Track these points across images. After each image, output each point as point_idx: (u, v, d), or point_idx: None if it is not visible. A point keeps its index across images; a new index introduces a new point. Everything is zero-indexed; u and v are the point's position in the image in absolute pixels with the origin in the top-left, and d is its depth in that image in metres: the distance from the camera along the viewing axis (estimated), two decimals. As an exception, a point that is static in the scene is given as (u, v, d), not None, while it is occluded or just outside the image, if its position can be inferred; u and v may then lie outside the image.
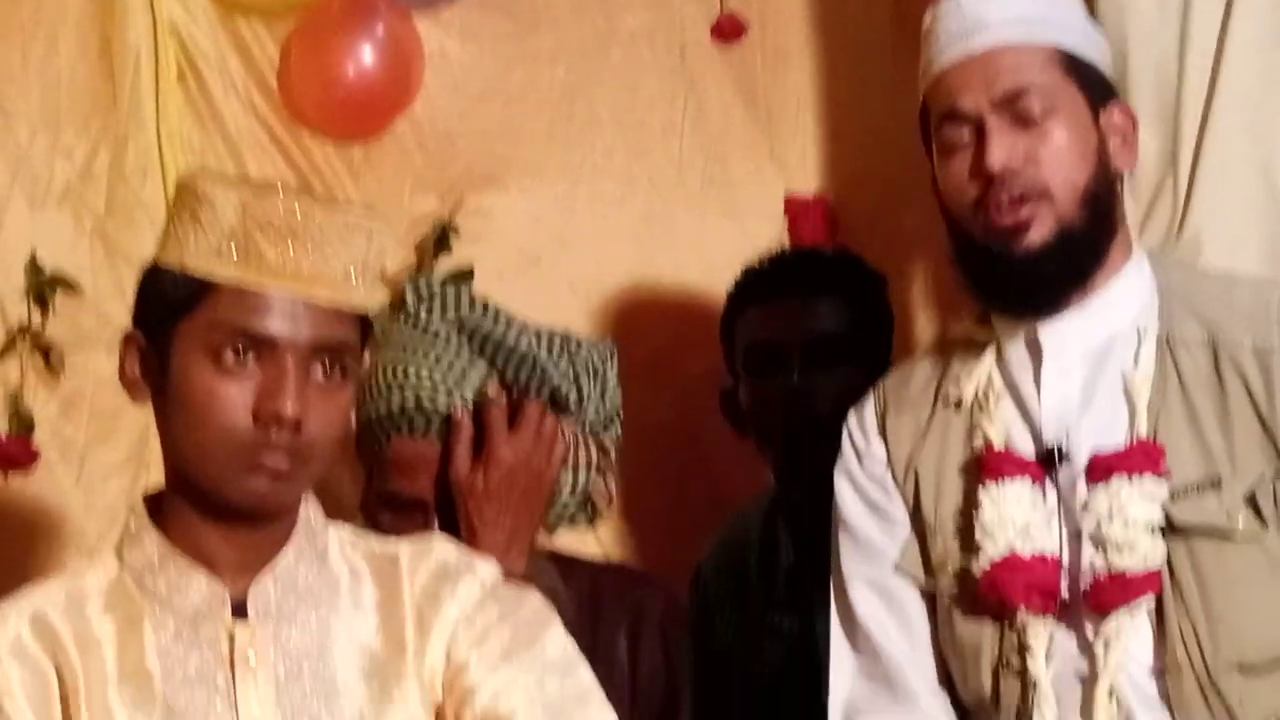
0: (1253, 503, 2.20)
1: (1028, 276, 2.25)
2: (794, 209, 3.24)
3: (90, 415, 3.15)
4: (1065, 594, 2.25)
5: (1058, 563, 2.25)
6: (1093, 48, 2.32)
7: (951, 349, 2.41)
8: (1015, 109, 2.24)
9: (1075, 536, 2.25)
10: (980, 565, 2.26)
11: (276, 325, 1.86)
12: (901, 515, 2.37)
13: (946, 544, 2.32)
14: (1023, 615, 2.24)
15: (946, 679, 2.35)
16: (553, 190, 3.31)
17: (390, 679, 1.94)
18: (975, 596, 2.28)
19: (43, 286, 3.15)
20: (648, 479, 3.22)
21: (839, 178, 3.33)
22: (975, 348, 2.37)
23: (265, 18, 3.30)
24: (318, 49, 3.27)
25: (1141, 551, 2.19)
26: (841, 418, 2.46)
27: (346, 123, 3.31)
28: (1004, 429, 2.31)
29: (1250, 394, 2.23)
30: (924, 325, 3.09)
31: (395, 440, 2.41)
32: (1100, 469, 2.23)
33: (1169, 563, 2.20)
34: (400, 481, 2.42)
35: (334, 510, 2.08)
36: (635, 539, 3.25)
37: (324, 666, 1.92)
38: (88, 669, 1.88)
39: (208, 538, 1.91)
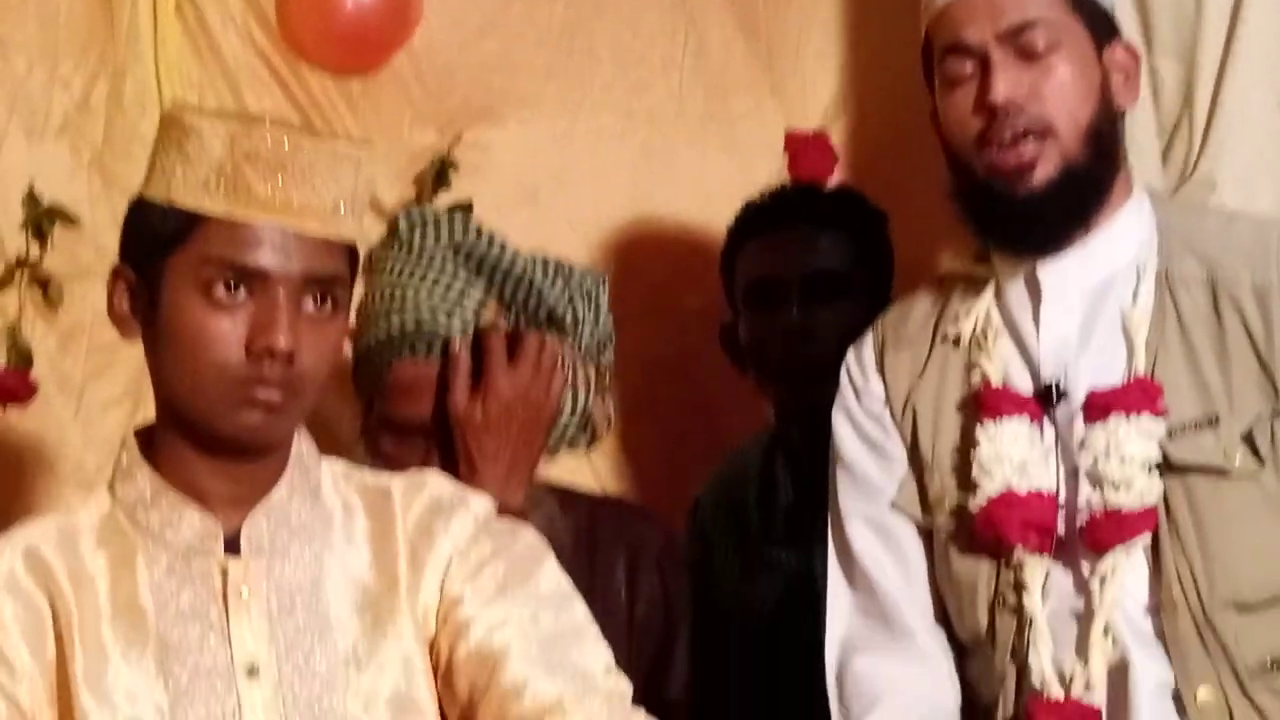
0: (1250, 441, 2.20)
1: (1030, 216, 2.24)
2: (794, 144, 3.22)
3: (89, 348, 3.15)
4: (1062, 531, 2.25)
5: (1054, 500, 2.25)
6: (1097, -17, 2.31)
7: (950, 286, 2.41)
8: (1019, 43, 2.23)
9: (1072, 474, 2.26)
10: (977, 502, 2.26)
11: (267, 258, 1.85)
12: (899, 453, 2.37)
13: (944, 481, 2.32)
14: (1019, 552, 2.24)
15: (943, 616, 2.36)
16: (552, 125, 3.30)
17: (384, 614, 1.94)
18: (972, 533, 2.28)
19: (41, 219, 3.14)
20: (646, 415, 3.22)
21: (839, 113, 3.31)
22: (974, 285, 2.37)
23: (263, -50, 3.29)
24: (317, -20, 3.25)
25: (1138, 489, 2.19)
26: (841, 354, 2.46)
27: (345, 56, 3.29)
28: (1002, 366, 2.31)
29: (1249, 332, 2.22)
30: (925, 263, 3.08)
31: (396, 364, 2.42)
32: (1098, 406, 2.23)
33: (1165, 501, 2.20)
34: (403, 405, 2.43)
35: (331, 446, 2.08)
36: (633, 475, 3.25)
37: (317, 601, 1.92)
38: (81, 604, 1.89)
39: (200, 472, 1.91)
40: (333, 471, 2.01)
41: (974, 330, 2.34)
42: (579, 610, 1.98)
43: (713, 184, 3.25)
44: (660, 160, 3.31)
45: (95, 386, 3.15)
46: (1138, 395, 2.21)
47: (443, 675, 1.95)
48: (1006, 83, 2.22)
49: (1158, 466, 2.21)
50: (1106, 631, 2.21)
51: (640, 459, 3.26)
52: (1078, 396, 2.26)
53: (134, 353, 1.95)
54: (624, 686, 1.94)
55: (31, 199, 3.13)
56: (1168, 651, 2.20)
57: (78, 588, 1.89)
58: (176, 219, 1.87)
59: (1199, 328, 2.24)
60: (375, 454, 2.46)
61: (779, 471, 2.95)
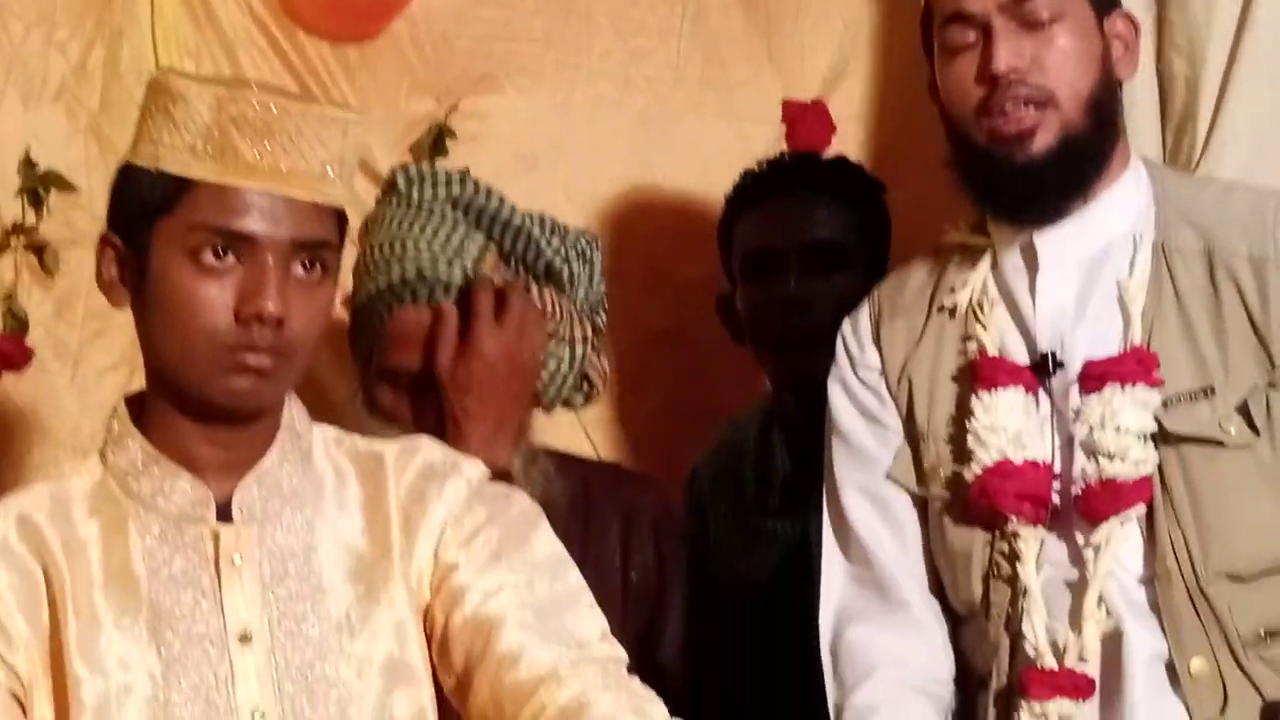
0: (1245, 412, 2.20)
1: (1030, 184, 2.24)
2: (792, 113, 3.21)
3: (84, 314, 3.14)
4: (1057, 501, 2.25)
5: (1049, 470, 2.25)
6: (1099, -46, 2.30)
7: (947, 256, 2.40)
8: (1022, 12, 2.22)
9: (1068, 444, 2.26)
10: (972, 472, 2.26)
11: (255, 224, 1.84)
12: (895, 423, 2.37)
13: (939, 451, 2.32)
14: (1014, 523, 2.24)
15: (938, 586, 2.36)
16: (549, 93, 3.29)
17: (377, 581, 1.94)
18: (967, 504, 2.28)
19: (36, 184, 3.12)
20: (642, 384, 3.22)
21: (838, 82, 3.30)
22: (971, 255, 2.37)
23: (262, -86, 3.27)
24: (314, -53, 3.24)
25: (1133, 459, 2.19)
26: (838, 325, 2.46)
27: (343, 23, 3.27)
28: (998, 336, 2.31)
29: (1245, 303, 2.22)
30: (921, 233, 3.07)
31: (397, 311, 2.43)
32: (1093, 377, 2.23)
33: (1160, 471, 2.21)
34: (402, 354, 2.44)
35: (326, 414, 2.08)
36: (630, 445, 3.25)
37: (309, 568, 1.92)
38: (74, 571, 1.88)
39: (190, 439, 1.91)
40: (324, 437, 2.01)
41: (970, 300, 2.34)
42: (573, 576, 1.98)
43: (711, 152, 3.24)
44: (658, 128, 3.30)
45: (91, 352, 3.14)
46: (1133, 366, 2.21)
47: (438, 643, 1.95)
48: (1009, 52, 2.21)
49: (1153, 437, 2.21)
50: (1100, 602, 2.21)
51: (637, 429, 3.26)
52: (1074, 367, 2.26)
53: (130, 319, 1.94)
54: (619, 653, 1.94)
55: (27, 164, 3.11)
56: (1162, 622, 2.20)
57: (70, 555, 1.89)
58: (164, 185, 1.86)
59: (1195, 299, 2.24)
60: (373, 409, 2.47)
61: (775, 442, 2.95)
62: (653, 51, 3.31)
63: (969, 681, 2.33)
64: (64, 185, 3.13)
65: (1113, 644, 2.21)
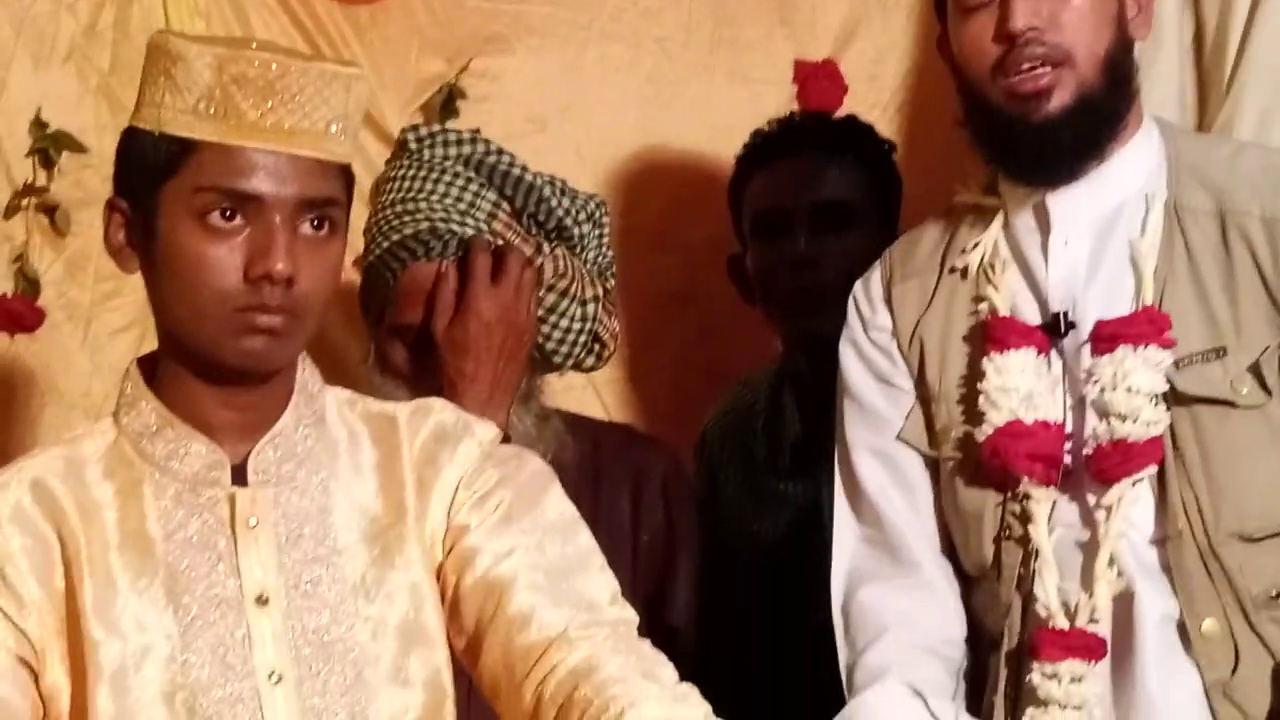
0: (1257, 373, 2.20)
1: (1046, 144, 2.23)
2: (803, 73, 3.20)
3: (96, 276, 3.14)
4: (1068, 462, 2.25)
5: (1061, 430, 2.25)
6: (1114, -89, 2.29)
7: (959, 217, 2.40)
8: (1039, -30, 2.21)
9: (1079, 405, 2.26)
10: (983, 432, 2.26)
11: (262, 183, 1.83)
12: (907, 384, 2.37)
13: (950, 412, 2.32)
14: (1025, 484, 2.24)
15: (949, 548, 2.36)
16: (560, 53, 3.28)
17: (392, 543, 1.94)
18: (978, 464, 2.28)
19: (47, 145, 3.12)
20: (652, 346, 3.22)
21: (849, 42, 3.29)
22: (983, 216, 2.36)
23: (273, -127, 3.26)
24: (325, -94, 3.23)
25: (1144, 420, 2.19)
26: (849, 285, 2.46)
27: (353, -17, 3.26)
28: (1010, 297, 2.30)
29: (1257, 264, 2.22)
30: (932, 193, 3.07)
31: (412, 265, 2.44)
32: (1105, 337, 2.22)
33: (1172, 432, 2.20)
34: (414, 310, 2.44)
35: (340, 378, 2.08)
36: (640, 406, 3.25)
37: (324, 530, 1.92)
38: (89, 534, 1.88)
39: (204, 401, 1.91)
40: (337, 399, 2.01)
41: (982, 261, 2.33)
42: (585, 538, 1.98)
43: (721, 113, 3.23)
44: (669, 89, 3.29)
45: (102, 314, 3.15)
46: (1145, 326, 2.21)
47: (449, 604, 1.95)
48: (1026, 10, 2.20)
49: (1164, 398, 2.20)
50: (1112, 563, 2.21)
51: (648, 391, 3.26)
52: (1086, 327, 2.25)
53: (141, 281, 1.94)
54: (629, 615, 1.94)
55: (38, 125, 3.12)
56: (1173, 583, 2.20)
57: (85, 518, 1.89)
58: (168, 148, 1.85)
59: (1207, 259, 2.24)
60: (385, 368, 2.47)
61: (786, 403, 2.95)
62: (664, 12, 3.30)
63: (980, 642, 2.33)
64: (75, 146, 3.13)
65: (1124, 605, 2.21)
